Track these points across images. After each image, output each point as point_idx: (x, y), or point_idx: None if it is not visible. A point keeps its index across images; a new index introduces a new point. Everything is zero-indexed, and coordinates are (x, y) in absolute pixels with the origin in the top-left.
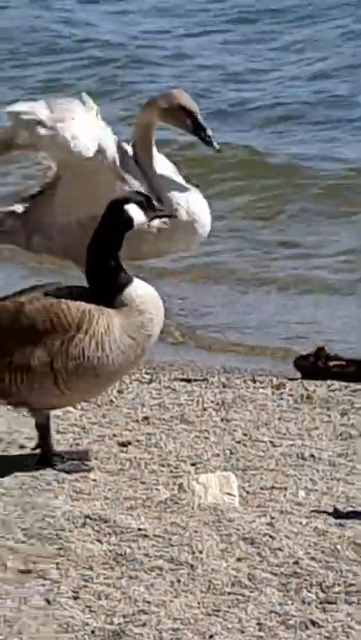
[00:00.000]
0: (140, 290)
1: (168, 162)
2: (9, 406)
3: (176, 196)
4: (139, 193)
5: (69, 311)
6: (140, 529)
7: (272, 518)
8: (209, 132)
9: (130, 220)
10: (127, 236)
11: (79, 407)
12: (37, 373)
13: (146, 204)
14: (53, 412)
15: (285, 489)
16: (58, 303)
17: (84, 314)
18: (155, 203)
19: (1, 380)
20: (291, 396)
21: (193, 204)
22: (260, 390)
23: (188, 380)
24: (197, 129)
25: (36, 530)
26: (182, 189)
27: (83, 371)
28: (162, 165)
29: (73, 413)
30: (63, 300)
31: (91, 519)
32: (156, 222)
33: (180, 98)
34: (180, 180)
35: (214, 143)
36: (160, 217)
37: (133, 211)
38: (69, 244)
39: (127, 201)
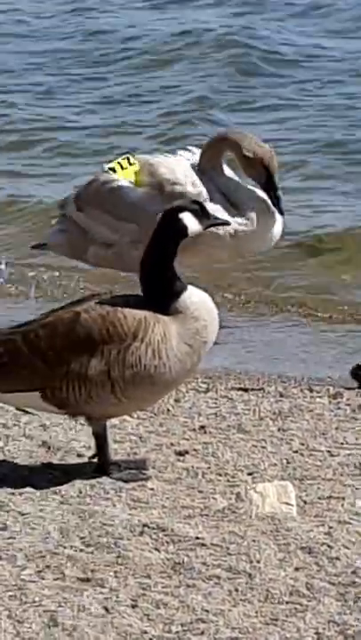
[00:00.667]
0: (194, 297)
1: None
2: (66, 416)
3: (251, 198)
4: (193, 201)
5: (125, 320)
6: (197, 538)
7: (330, 528)
8: (279, 194)
9: (184, 229)
10: (206, 243)
11: (136, 416)
12: (95, 383)
13: (201, 212)
14: (110, 421)
15: (343, 498)
16: (114, 312)
17: (140, 322)
18: (209, 210)
19: (59, 391)
20: (348, 405)
21: (264, 205)
22: (318, 400)
23: (245, 390)
24: (270, 188)
25: (94, 538)
26: (252, 194)
27: (140, 379)
28: (230, 174)
29: (130, 422)
30: (119, 308)
31: (149, 528)
32: (234, 226)
33: (265, 155)
34: (250, 186)
35: (282, 206)
36: (215, 225)
37: (188, 219)
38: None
39: (182, 209)
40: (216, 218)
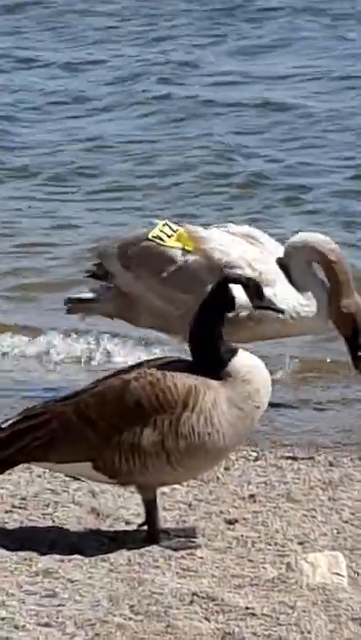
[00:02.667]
0: (245, 360)
1: None
2: (117, 485)
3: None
4: (250, 278)
5: (175, 388)
6: (247, 607)
7: None
8: None
9: (232, 300)
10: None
11: (185, 484)
12: (149, 453)
13: (254, 291)
14: (160, 489)
15: None
16: (163, 379)
17: (191, 390)
18: (265, 293)
19: (111, 461)
20: None
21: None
22: None
23: (295, 458)
24: (355, 347)
25: (143, 607)
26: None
27: (194, 448)
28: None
29: (179, 490)
30: (169, 375)
31: (198, 597)
32: (297, 308)
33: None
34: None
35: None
36: (269, 309)
37: (238, 292)
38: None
39: (234, 281)
40: (271, 302)
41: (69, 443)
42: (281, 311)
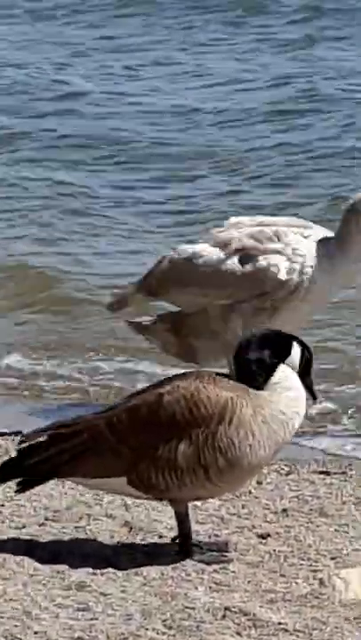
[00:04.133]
0: (283, 369)
1: None
2: (152, 499)
3: None
4: (310, 352)
5: (209, 401)
6: (280, 623)
7: None
8: None
9: (287, 354)
10: None
11: (218, 497)
12: (187, 469)
13: (305, 365)
14: (192, 502)
15: None
16: (198, 393)
17: (227, 403)
18: (312, 377)
19: (147, 477)
20: None
21: None
22: None
23: (328, 473)
24: None
25: (176, 621)
26: None
27: (235, 461)
28: None
29: (212, 504)
30: (204, 388)
31: (231, 611)
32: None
33: None
34: None
35: None
36: (306, 390)
37: (295, 352)
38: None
39: (299, 342)
40: (311, 385)
41: (102, 458)
42: (315, 398)
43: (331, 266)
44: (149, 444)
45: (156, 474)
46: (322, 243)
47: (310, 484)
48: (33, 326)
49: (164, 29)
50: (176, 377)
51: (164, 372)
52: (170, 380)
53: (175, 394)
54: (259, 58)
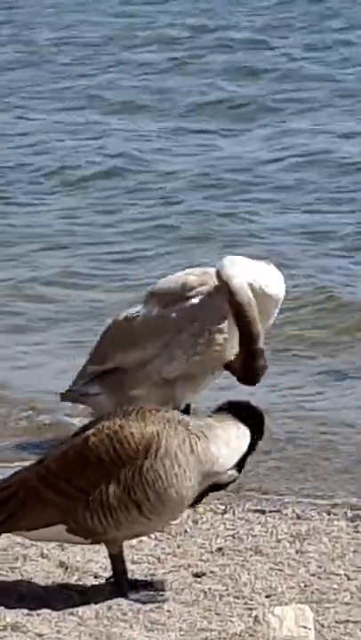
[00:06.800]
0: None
1: None
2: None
3: None
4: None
5: (132, 437)
6: None
7: None
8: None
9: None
10: None
11: (153, 537)
12: (119, 508)
13: (255, 439)
14: (128, 542)
15: None
16: (121, 430)
17: (152, 435)
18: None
19: (84, 521)
20: None
21: None
22: (335, 522)
23: (262, 512)
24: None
25: None
26: None
27: (164, 493)
28: None
29: (147, 543)
30: (127, 424)
31: None
32: None
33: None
34: None
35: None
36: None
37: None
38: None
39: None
40: (246, 459)
41: (38, 509)
42: (241, 467)
43: None
44: (81, 488)
45: (91, 517)
46: None
47: (246, 522)
48: None
49: None
50: (103, 417)
51: None
52: (98, 420)
53: (100, 435)
54: None
